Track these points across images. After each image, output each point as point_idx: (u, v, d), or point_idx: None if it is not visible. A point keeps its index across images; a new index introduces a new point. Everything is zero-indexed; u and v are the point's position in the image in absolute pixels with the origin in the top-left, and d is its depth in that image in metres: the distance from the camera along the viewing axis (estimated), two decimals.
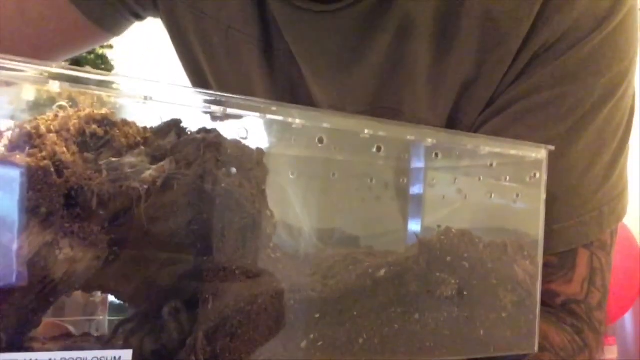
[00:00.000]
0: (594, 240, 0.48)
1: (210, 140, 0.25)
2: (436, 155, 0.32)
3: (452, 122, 0.47)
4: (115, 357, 0.22)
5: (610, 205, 0.47)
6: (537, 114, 0.44)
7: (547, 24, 0.42)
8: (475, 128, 0.47)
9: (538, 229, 0.36)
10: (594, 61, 0.43)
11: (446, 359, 0.30)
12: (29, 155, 0.22)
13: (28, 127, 0.23)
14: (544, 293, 0.44)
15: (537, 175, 0.34)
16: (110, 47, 2.50)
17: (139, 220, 0.23)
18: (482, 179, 0.34)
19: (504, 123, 0.45)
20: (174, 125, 0.25)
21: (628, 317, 2.28)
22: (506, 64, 0.44)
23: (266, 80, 0.52)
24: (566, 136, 0.44)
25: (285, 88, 0.52)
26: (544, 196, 0.35)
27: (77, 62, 2.34)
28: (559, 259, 0.47)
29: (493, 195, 0.35)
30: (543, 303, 0.45)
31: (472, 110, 0.46)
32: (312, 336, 0.27)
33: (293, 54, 0.50)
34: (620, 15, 0.44)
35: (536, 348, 0.35)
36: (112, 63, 2.44)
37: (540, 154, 0.34)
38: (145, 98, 0.24)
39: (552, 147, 0.36)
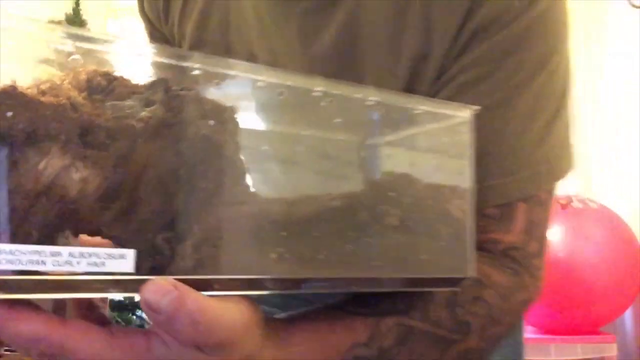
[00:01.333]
0: (531, 196, 0.53)
1: (192, 96, 0.32)
2: (379, 114, 0.40)
3: (412, 91, 0.54)
4: (120, 254, 0.28)
5: (546, 166, 0.53)
6: (478, 85, 0.51)
7: (483, 6, 0.49)
8: (434, 88, 0.53)
9: (471, 178, 0.44)
10: (525, 38, 0.50)
11: (390, 276, 0.38)
12: (53, 96, 0.28)
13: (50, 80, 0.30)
14: (487, 241, 0.52)
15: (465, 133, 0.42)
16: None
17: (137, 152, 0.30)
18: (420, 137, 0.43)
19: (450, 94, 0.52)
20: (162, 82, 0.31)
21: (628, 316, 2.29)
22: (449, 41, 0.51)
23: None
24: (503, 103, 0.51)
25: None
26: (472, 149, 0.42)
27: None
28: (499, 211, 0.53)
29: (431, 151, 0.43)
30: (486, 250, 0.52)
31: (425, 83, 0.53)
32: (280, 249, 0.34)
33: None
34: (542, 5, 0.50)
35: (471, 273, 0.41)
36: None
37: (466, 113, 0.41)
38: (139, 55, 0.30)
39: (478, 108, 0.43)
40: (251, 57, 0.62)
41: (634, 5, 2.13)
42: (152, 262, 0.30)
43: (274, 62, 0.59)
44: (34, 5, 2.74)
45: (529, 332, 2.22)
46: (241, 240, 0.33)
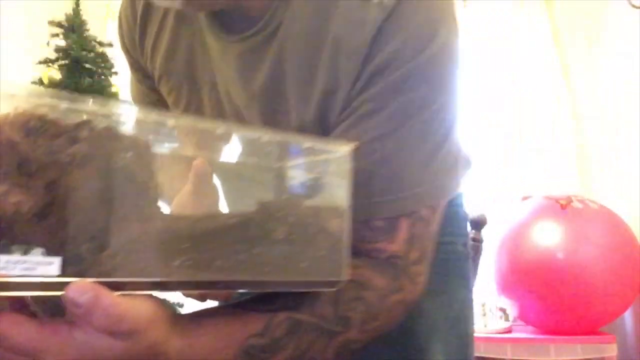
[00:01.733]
0: (413, 212, 0.63)
1: (111, 133, 0.40)
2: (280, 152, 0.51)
3: (324, 122, 0.65)
4: (49, 262, 0.37)
5: (426, 187, 0.63)
6: (372, 117, 0.61)
7: (378, 53, 0.59)
8: (334, 127, 0.64)
9: (355, 199, 0.55)
10: (413, 81, 0.59)
11: (276, 280, 0.47)
12: None
13: None
14: (374, 249, 0.62)
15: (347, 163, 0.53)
16: (110, 45, 2.59)
17: (64, 180, 0.38)
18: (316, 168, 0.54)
19: (351, 122, 0.62)
20: (87, 122, 0.39)
21: (627, 316, 2.29)
22: (352, 81, 0.61)
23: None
24: (392, 134, 0.61)
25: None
26: (350, 177, 0.52)
27: (77, 61, 2.43)
28: (385, 224, 0.63)
29: (323, 179, 0.55)
30: (373, 256, 0.62)
31: (334, 113, 0.63)
32: (183, 258, 0.42)
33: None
34: (434, 48, 0.59)
35: (345, 277, 0.51)
36: (112, 61, 2.51)
37: (347, 148, 0.52)
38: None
39: (357, 143, 0.54)
40: (213, 86, 0.73)
41: (633, 6, 2.13)
42: (75, 268, 0.38)
43: (227, 93, 0.71)
44: (34, 5, 2.73)
45: (529, 332, 2.22)
46: (150, 250, 0.41)
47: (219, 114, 0.74)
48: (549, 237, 2.06)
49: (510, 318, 2.38)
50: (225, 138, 0.50)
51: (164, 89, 0.80)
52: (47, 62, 2.42)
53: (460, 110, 0.65)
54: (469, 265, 0.94)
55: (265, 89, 0.67)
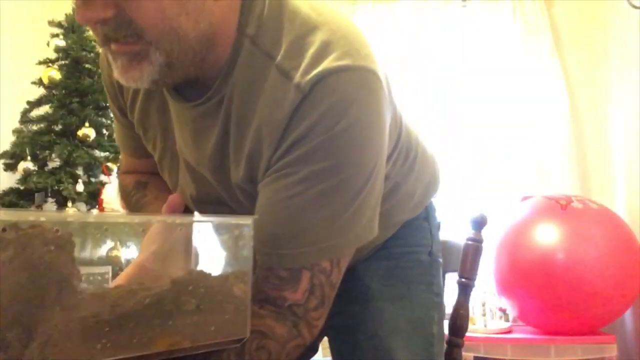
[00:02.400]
0: (314, 265, 0.71)
1: (37, 232, 0.46)
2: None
3: (252, 181, 0.74)
4: None
5: (324, 245, 0.71)
6: (284, 181, 0.70)
7: (295, 127, 0.68)
8: (259, 185, 0.73)
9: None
10: (323, 152, 0.68)
11: (190, 346, 0.54)
12: None
13: None
14: (279, 297, 0.71)
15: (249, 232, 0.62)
16: None
17: None
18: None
19: (267, 184, 0.71)
20: (14, 224, 0.45)
21: (628, 316, 2.29)
22: (273, 149, 0.70)
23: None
24: (299, 196, 0.69)
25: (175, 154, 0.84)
26: (251, 245, 0.62)
27: (77, 61, 2.43)
28: (289, 274, 0.71)
29: (229, 250, 0.64)
30: (277, 305, 0.71)
31: (260, 173, 0.73)
32: (104, 340, 0.48)
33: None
34: (343, 126, 0.67)
35: (247, 334, 0.60)
36: None
37: (249, 220, 0.62)
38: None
39: (256, 216, 0.65)
40: (173, 143, 0.82)
41: (634, 6, 2.13)
42: (5, 355, 0.41)
43: (182, 152, 0.81)
44: (34, 5, 2.73)
45: (529, 333, 2.22)
46: (74, 337, 0.46)
47: (177, 168, 0.85)
48: (549, 237, 2.06)
49: (510, 318, 2.38)
50: (147, 226, 0.68)
51: (143, 139, 0.89)
52: (47, 62, 2.43)
53: (380, 174, 0.74)
54: (435, 271, 1.02)
55: (214, 151, 0.76)
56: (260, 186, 0.73)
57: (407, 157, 0.90)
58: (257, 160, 0.72)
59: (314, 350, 1.14)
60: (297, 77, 0.68)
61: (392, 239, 0.98)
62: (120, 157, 1.13)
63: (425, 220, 1.04)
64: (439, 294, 1.00)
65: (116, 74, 0.69)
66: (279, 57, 0.69)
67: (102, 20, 0.64)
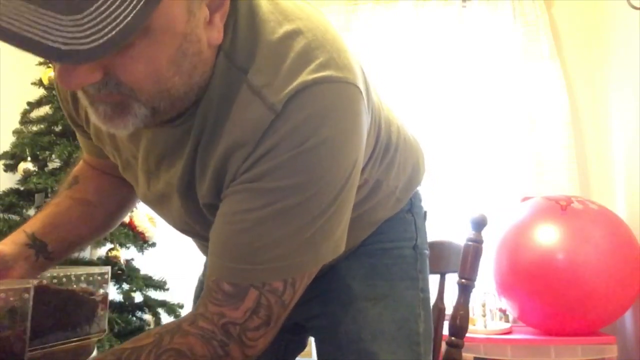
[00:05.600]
0: (264, 284, 0.67)
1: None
2: None
3: (217, 197, 0.71)
4: None
5: (277, 265, 0.67)
6: (243, 194, 0.67)
7: (262, 144, 0.65)
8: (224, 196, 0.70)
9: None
10: (285, 171, 0.65)
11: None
12: None
13: None
14: (216, 313, 0.68)
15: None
16: None
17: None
18: None
19: (228, 195, 0.69)
20: None
21: (628, 317, 2.29)
22: (239, 164, 0.67)
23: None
24: (256, 211, 0.66)
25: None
26: (30, 308, 0.67)
27: None
28: (234, 290, 0.68)
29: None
30: (211, 321, 0.68)
31: (224, 186, 0.69)
32: None
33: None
34: (311, 144, 0.64)
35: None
36: None
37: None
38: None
39: (39, 280, 0.73)
40: (133, 159, 0.80)
41: (633, 6, 2.13)
42: None
43: (148, 170, 0.78)
44: None
45: (529, 334, 2.22)
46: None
47: (138, 182, 0.82)
48: (549, 237, 2.06)
49: (511, 319, 2.38)
50: None
51: (105, 150, 0.88)
52: (47, 62, 2.43)
53: (352, 191, 0.72)
54: (421, 265, 0.97)
55: (183, 172, 0.73)
56: (222, 197, 0.70)
57: (387, 151, 0.86)
58: (223, 176, 0.69)
59: (302, 345, 1.13)
60: (270, 95, 0.64)
61: (373, 235, 0.95)
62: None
63: (408, 212, 0.99)
64: (425, 289, 0.96)
65: (95, 119, 0.64)
66: (249, 72, 0.65)
67: (92, 85, 0.59)
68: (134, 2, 0.52)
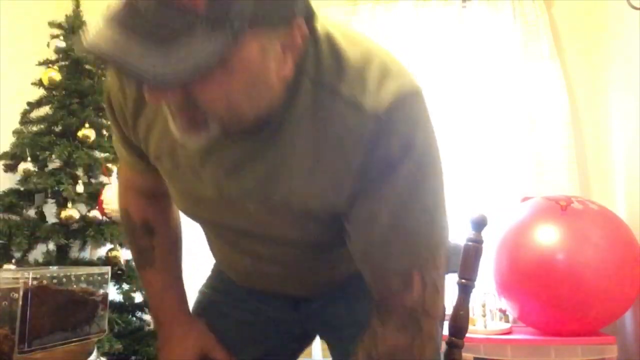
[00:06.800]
0: (424, 264, 0.79)
1: None
2: None
3: (332, 203, 0.79)
4: None
5: (431, 242, 0.80)
6: (385, 192, 0.77)
7: (379, 153, 0.74)
8: (349, 206, 0.79)
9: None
10: (413, 166, 0.76)
11: None
12: None
13: None
14: (400, 306, 0.80)
15: None
16: None
17: None
18: None
19: (368, 198, 0.77)
20: None
21: (628, 317, 2.29)
22: (356, 175, 0.76)
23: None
24: (399, 207, 0.77)
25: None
26: None
27: (77, 62, 2.43)
28: (402, 279, 0.79)
29: None
30: (397, 313, 0.80)
31: (341, 201, 0.78)
32: None
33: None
34: (422, 142, 0.77)
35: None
36: None
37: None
38: None
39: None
40: (196, 173, 0.85)
41: (633, 7, 2.13)
42: None
43: (218, 184, 0.83)
44: (34, 6, 2.74)
45: (529, 334, 2.22)
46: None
47: (205, 197, 0.86)
48: (549, 238, 2.06)
49: (511, 319, 2.38)
50: None
51: (159, 168, 0.91)
52: (47, 63, 2.42)
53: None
54: None
55: (266, 181, 0.79)
56: (361, 206, 0.78)
57: None
58: (338, 186, 0.77)
59: (309, 337, 1.15)
60: (370, 106, 0.73)
61: None
62: (119, 164, 1.15)
63: None
64: None
65: (175, 130, 0.72)
66: (344, 91, 0.74)
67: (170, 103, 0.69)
68: (216, 41, 0.60)
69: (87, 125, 2.30)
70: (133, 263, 2.39)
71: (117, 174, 1.17)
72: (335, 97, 0.75)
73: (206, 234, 1.05)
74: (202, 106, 0.67)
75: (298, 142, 0.77)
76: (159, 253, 1.06)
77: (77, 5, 2.54)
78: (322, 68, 0.76)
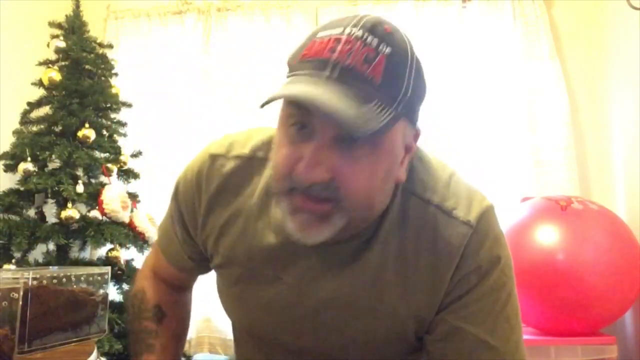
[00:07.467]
0: None
1: None
2: None
3: (420, 317, 0.81)
4: None
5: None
6: (473, 315, 0.80)
7: (471, 260, 0.78)
8: (434, 321, 0.81)
9: None
10: (501, 276, 0.81)
11: None
12: None
13: None
14: None
15: None
16: (110, 46, 2.58)
17: None
18: None
19: (458, 318, 0.80)
20: None
21: (628, 317, 2.29)
22: (446, 283, 0.79)
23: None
24: (489, 324, 0.80)
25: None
26: None
27: (77, 62, 2.43)
28: None
29: None
30: None
31: (430, 310, 0.80)
32: None
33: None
34: (505, 253, 0.83)
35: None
36: (112, 62, 2.52)
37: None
38: None
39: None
40: (276, 278, 0.84)
41: (633, 7, 2.13)
42: None
43: (300, 292, 0.83)
44: (34, 6, 2.74)
45: (529, 334, 2.22)
46: None
47: (276, 305, 0.85)
48: (549, 238, 2.06)
49: None
50: None
51: (222, 272, 0.90)
52: (47, 63, 2.42)
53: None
54: None
55: (362, 289, 0.80)
56: (450, 318, 0.80)
57: None
58: (429, 299, 0.79)
59: None
60: (462, 215, 0.79)
61: None
62: (152, 250, 1.10)
63: None
64: None
65: (291, 227, 0.72)
66: (437, 201, 0.80)
67: (315, 183, 0.69)
68: (387, 113, 0.67)
69: (87, 125, 2.30)
70: (133, 263, 2.39)
71: (150, 255, 1.11)
72: (427, 206, 0.79)
73: (247, 350, 1.01)
74: (342, 189, 0.69)
75: (389, 250, 0.79)
76: (161, 338, 0.99)
77: (77, 5, 2.54)
78: (416, 181, 0.80)
